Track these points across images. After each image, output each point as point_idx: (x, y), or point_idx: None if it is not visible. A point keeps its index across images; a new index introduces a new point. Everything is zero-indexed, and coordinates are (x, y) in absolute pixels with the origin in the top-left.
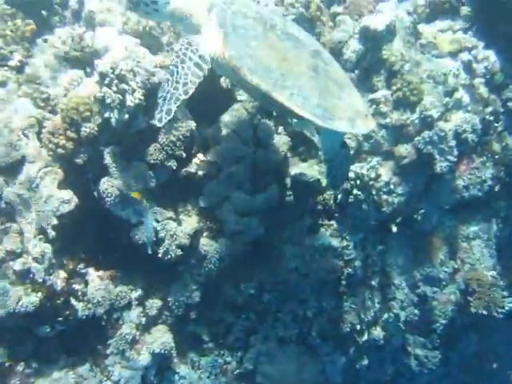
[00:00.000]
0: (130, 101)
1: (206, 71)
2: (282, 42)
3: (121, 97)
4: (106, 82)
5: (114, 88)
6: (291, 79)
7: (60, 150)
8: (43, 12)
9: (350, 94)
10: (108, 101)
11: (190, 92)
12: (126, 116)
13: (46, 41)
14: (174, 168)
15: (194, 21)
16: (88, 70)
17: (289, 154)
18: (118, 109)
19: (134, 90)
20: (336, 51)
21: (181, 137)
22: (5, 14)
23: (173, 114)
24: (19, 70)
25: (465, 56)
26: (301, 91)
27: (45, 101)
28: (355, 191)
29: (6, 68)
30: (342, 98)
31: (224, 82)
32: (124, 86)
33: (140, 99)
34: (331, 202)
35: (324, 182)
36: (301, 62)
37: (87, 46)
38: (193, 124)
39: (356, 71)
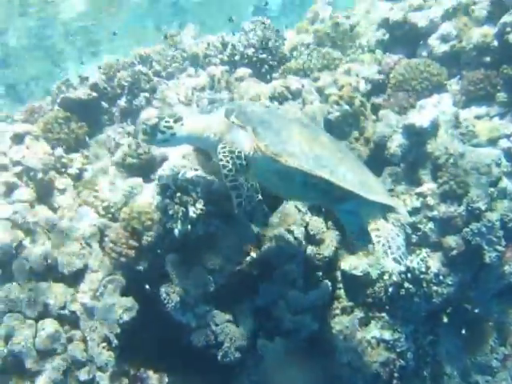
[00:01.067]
0: (193, 212)
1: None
2: (304, 130)
3: (184, 209)
4: (167, 193)
5: (176, 200)
6: (325, 160)
7: (123, 259)
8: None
9: (369, 175)
10: (170, 212)
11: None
12: (189, 227)
13: (97, 141)
14: (232, 271)
15: (214, 133)
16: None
17: (338, 248)
18: (180, 220)
19: (195, 201)
20: (380, 145)
21: (238, 239)
22: (60, 117)
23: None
24: (78, 176)
25: (504, 143)
26: (337, 169)
27: (105, 209)
28: (406, 284)
29: (65, 175)
30: (370, 177)
31: None
32: (186, 197)
33: (202, 209)
34: (382, 294)
35: (374, 274)
36: (326, 146)
37: (144, 153)
38: (253, 229)
39: (402, 165)
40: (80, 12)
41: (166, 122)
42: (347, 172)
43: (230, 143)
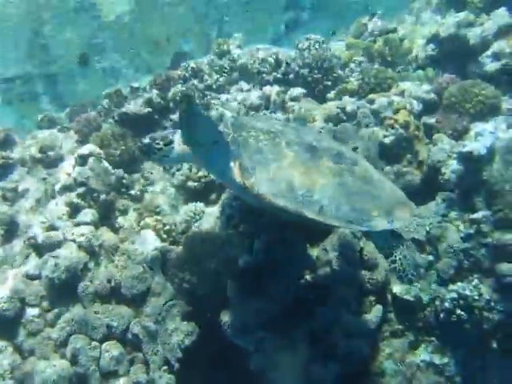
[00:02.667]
0: (257, 243)
1: None
2: (300, 157)
3: (249, 240)
4: (232, 223)
5: (241, 229)
6: (318, 192)
7: (185, 285)
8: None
9: (382, 188)
10: (235, 242)
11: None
12: (254, 258)
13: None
14: (293, 298)
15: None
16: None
17: (390, 272)
18: (245, 250)
19: (259, 232)
20: (434, 170)
21: (300, 268)
22: (116, 133)
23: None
24: (138, 197)
25: None
26: (330, 201)
27: (167, 232)
28: (458, 311)
29: (125, 196)
30: (374, 195)
31: None
32: (250, 228)
33: (265, 240)
34: (432, 319)
35: (425, 299)
36: (323, 171)
37: (204, 177)
38: (312, 256)
39: (456, 191)
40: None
41: (157, 144)
42: (342, 202)
43: None
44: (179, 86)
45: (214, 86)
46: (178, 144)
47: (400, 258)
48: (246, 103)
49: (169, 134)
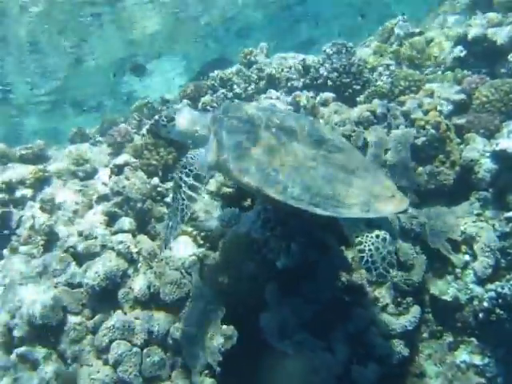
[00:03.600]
0: (294, 246)
1: (201, 190)
2: (276, 139)
3: (286, 244)
4: (269, 226)
5: (278, 233)
6: (284, 173)
7: (223, 288)
8: None
9: (365, 178)
10: (272, 245)
11: (186, 218)
12: (291, 260)
13: None
14: (331, 300)
15: (201, 135)
16: None
17: (426, 272)
18: (283, 253)
19: (296, 235)
20: (467, 169)
21: (335, 270)
22: (149, 144)
23: (171, 240)
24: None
25: None
26: (296, 183)
27: (204, 238)
28: (497, 310)
29: (161, 204)
30: (351, 184)
31: None
32: (287, 231)
33: (302, 243)
34: (471, 319)
35: (463, 299)
36: (297, 155)
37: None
38: (347, 258)
39: (490, 189)
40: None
41: (162, 121)
42: (311, 186)
43: (195, 152)
44: (208, 96)
45: (244, 95)
46: (180, 122)
47: (370, 249)
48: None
49: (172, 112)
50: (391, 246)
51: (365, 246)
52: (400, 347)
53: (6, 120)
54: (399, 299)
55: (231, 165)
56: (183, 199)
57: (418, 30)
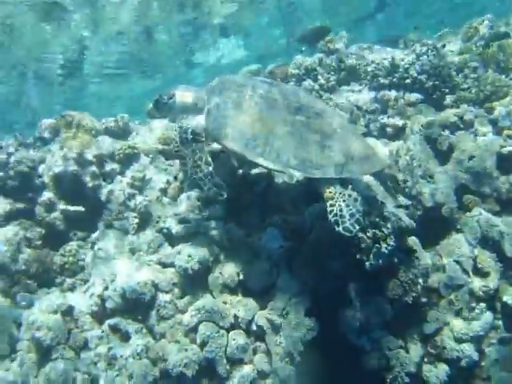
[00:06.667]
0: (385, 248)
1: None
2: (258, 107)
3: (378, 245)
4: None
5: (369, 234)
6: (263, 138)
7: (309, 283)
8: None
9: (343, 141)
10: (363, 246)
11: (210, 159)
12: (380, 261)
13: None
14: (410, 302)
15: (199, 107)
16: None
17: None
18: (373, 255)
19: (386, 237)
20: None
21: (417, 273)
22: None
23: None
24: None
25: None
26: (273, 147)
27: (292, 231)
28: None
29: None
30: (327, 146)
31: None
32: (379, 233)
33: (392, 245)
34: None
35: None
36: (276, 121)
37: None
38: (428, 262)
39: None
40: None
41: (163, 99)
42: (287, 149)
43: (190, 121)
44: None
45: (326, 86)
46: (179, 98)
47: (340, 205)
48: (361, 106)
49: (171, 89)
50: (361, 207)
51: (336, 200)
52: (470, 351)
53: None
54: (473, 304)
55: (217, 132)
56: (195, 152)
57: (502, 31)
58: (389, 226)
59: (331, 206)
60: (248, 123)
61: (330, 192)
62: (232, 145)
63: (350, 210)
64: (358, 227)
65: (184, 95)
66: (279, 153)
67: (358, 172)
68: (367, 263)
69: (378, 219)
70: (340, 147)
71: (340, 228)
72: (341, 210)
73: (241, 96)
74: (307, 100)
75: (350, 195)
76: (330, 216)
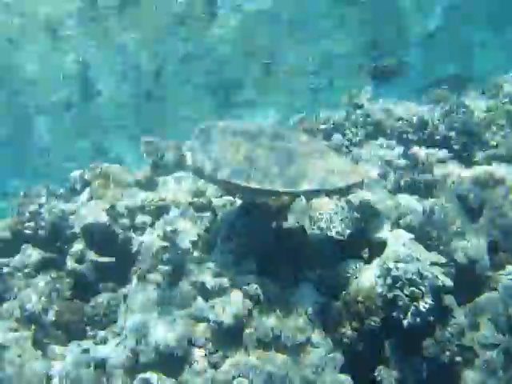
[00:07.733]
0: (423, 307)
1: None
2: (239, 141)
3: (416, 304)
4: (397, 284)
5: (406, 292)
6: (247, 164)
7: (345, 340)
8: None
9: (323, 159)
10: (400, 303)
11: None
12: (418, 319)
13: None
14: (446, 361)
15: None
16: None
17: None
18: (411, 313)
19: (423, 295)
20: None
21: (453, 332)
22: None
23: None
24: None
25: None
26: (257, 171)
27: (326, 287)
28: None
29: None
30: (310, 164)
31: None
32: (416, 291)
33: (430, 304)
34: None
35: None
36: (256, 148)
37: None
38: (463, 320)
39: None
40: None
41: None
42: (269, 172)
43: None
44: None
45: (354, 141)
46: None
47: (329, 213)
48: (391, 162)
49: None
50: (349, 214)
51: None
52: None
53: None
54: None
55: (201, 164)
56: None
57: None
58: (426, 283)
59: (320, 214)
60: (232, 155)
61: (318, 203)
62: (221, 176)
63: (340, 218)
64: (347, 231)
65: (170, 153)
66: (264, 176)
67: (338, 184)
68: (405, 321)
69: (414, 277)
70: (321, 165)
71: (333, 233)
72: (331, 218)
73: (224, 136)
74: (285, 132)
75: (336, 205)
76: (322, 222)
